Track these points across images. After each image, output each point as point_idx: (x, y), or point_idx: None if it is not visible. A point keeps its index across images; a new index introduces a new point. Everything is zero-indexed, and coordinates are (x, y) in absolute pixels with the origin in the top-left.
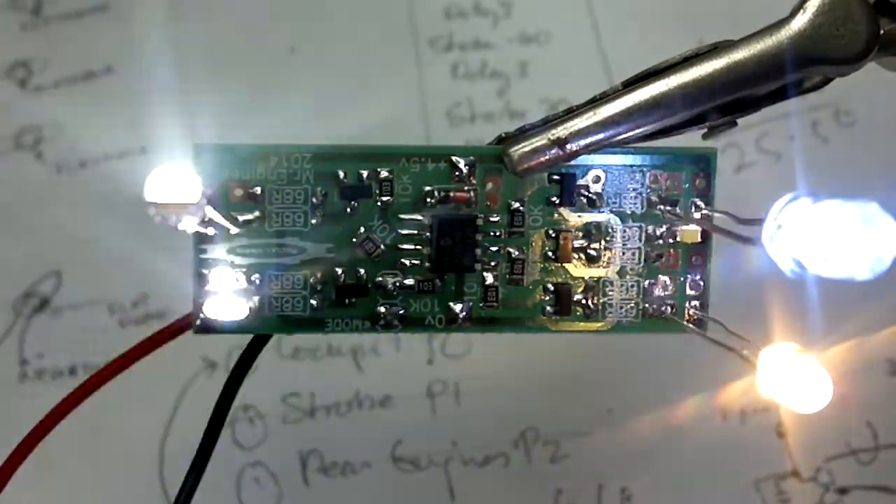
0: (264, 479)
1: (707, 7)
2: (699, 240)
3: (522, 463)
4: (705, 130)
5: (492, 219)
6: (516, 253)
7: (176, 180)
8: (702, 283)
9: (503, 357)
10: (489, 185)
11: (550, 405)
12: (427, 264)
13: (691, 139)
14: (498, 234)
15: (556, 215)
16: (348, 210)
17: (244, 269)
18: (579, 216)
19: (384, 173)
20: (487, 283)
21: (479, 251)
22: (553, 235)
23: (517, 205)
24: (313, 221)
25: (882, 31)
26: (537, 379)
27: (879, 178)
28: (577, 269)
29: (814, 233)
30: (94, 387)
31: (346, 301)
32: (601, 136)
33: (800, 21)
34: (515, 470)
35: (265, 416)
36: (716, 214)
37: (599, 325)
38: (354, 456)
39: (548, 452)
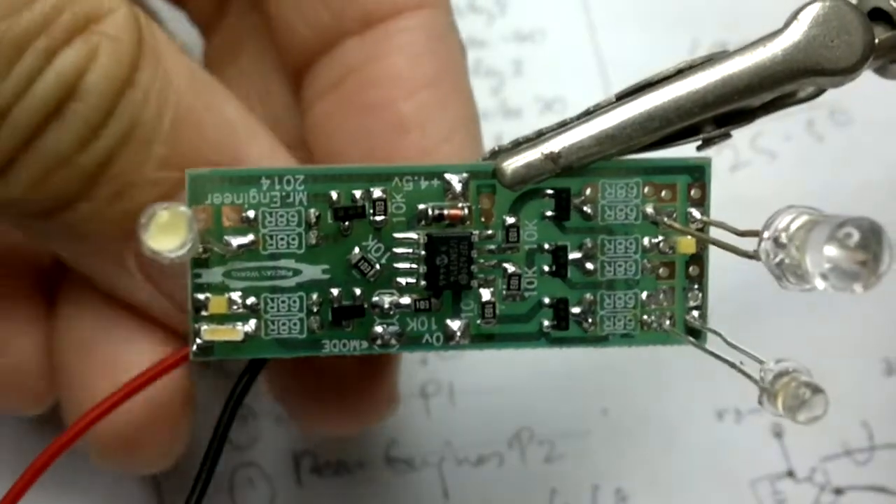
0: (257, 479)
1: (703, 5)
2: (695, 250)
3: (517, 463)
4: (699, 142)
5: (487, 235)
6: (512, 269)
7: (169, 231)
8: (700, 294)
9: (497, 357)
10: (483, 202)
11: (545, 405)
12: (423, 283)
13: (685, 149)
14: (493, 249)
15: (551, 229)
16: (342, 231)
17: (240, 293)
18: (574, 229)
19: (377, 193)
20: (484, 299)
21: (474, 268)
22: (549, 249)
23: (512, 220)
24: (308, 243)
25: (877, 41)
26: (532, 379)
27: (875, 177)
28: (574, 282)
29: (810, 249)
30: (90, 424)
31: (343, 322)
32: (595, 149)
33: (794, 32)
34: (510, 470)
35: (258, 416)
36: (712, 225)
37: (597, 337)
38: (348, 456)
39: (542, 452)
